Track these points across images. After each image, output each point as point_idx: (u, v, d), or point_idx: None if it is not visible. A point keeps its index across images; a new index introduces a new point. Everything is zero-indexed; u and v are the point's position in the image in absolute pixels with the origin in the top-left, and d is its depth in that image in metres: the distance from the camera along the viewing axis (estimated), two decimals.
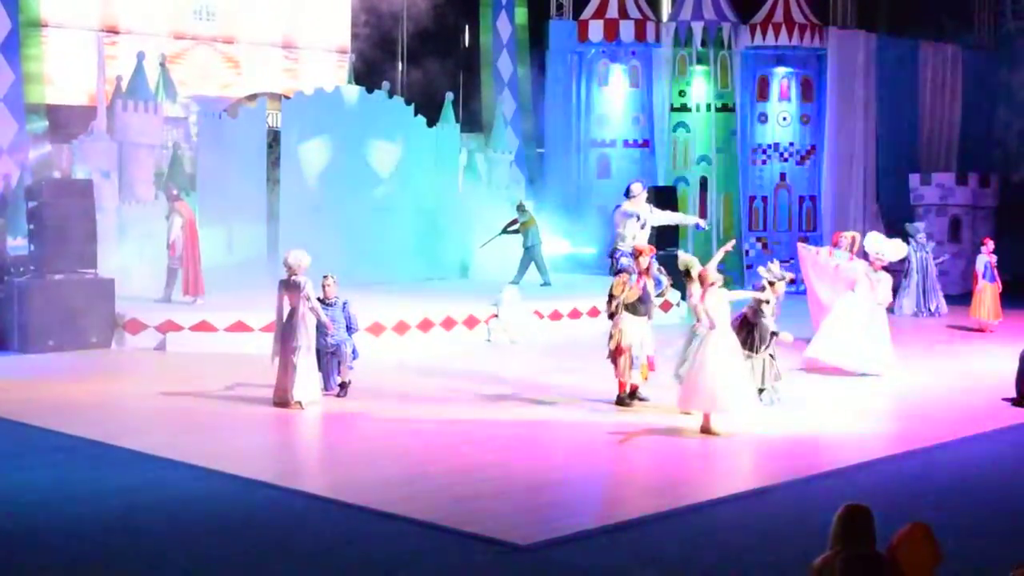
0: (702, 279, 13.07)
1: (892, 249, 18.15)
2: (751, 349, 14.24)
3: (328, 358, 14.87)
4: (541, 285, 23.49)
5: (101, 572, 8.48)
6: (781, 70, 30.53)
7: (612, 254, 15.29)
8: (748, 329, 14.32)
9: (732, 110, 30.05)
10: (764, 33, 29.98)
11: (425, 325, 19.69)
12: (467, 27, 31.34)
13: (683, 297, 16.81)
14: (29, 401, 14.53)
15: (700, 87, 29.79)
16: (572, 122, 30.19)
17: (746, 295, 14.68)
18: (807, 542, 6.91)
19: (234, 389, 15.27)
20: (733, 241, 16.23)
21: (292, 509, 10.14)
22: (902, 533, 5.80)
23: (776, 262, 15.55)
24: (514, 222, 24.06)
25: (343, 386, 14.91)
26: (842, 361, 17.04)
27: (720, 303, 13.13)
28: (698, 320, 13.39)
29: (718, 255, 13.93)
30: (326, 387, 14.84)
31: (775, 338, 14.34)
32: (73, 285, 18.67)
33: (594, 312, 21.87)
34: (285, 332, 14.20)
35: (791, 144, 30.63)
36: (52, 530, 9.43)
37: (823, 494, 10.35)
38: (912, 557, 5.68)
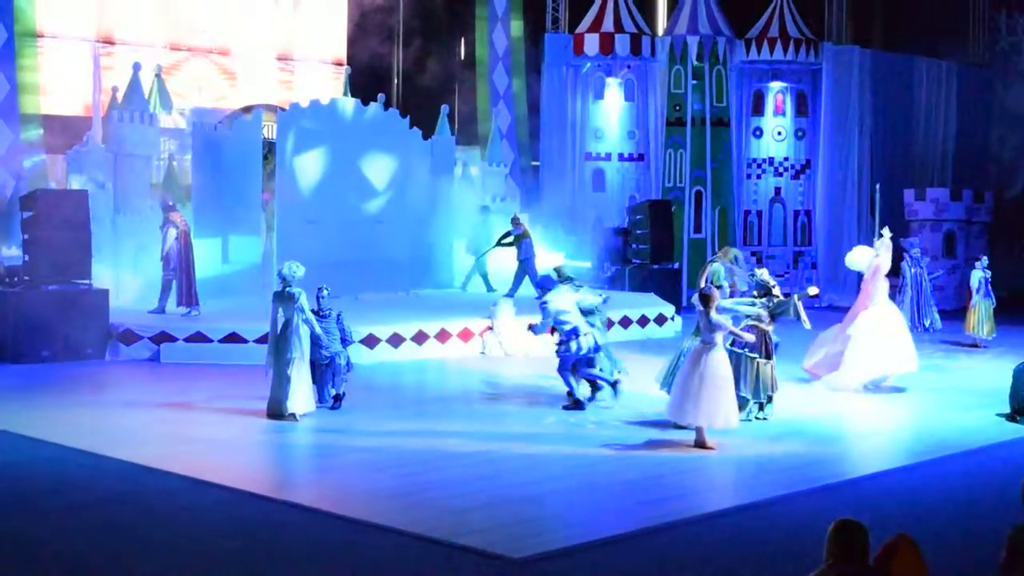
0: (709, 299, 13.05)
1: (862, 254, 18.08)
2: (764, 355, 14.35)
3: (322, 370, 14.85)
4: (536, 298, 23.43)
5: None
6: (776, 84, 30.64)
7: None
8: (760, 334, 14.38)
9: (727, 124, 30.15)
10: (759, 48, 30.09)
11: (420, 337, 19.68)
12: (463, 39, 31.41)
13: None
14: (22, 411, 14.49)
15: (695, 101, 29.86)
16: (567, 135, 30.27)
17: (735, 306, 14.59)
18: (801, 557, 6.91)
19: (228, 400, 15.25)
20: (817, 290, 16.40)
21: (285, 521, 10.11)
22: (889, 545, 5.80)
23: (765, 269, 15.58)
24: (508, 234, 24.08)
25: (337, 398, 14.90)
26: (876, 373, 17.03)
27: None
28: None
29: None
30: (320, 399, 14.82)
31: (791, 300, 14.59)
32: (67, 296, 18.67)
33: None
34: (279, 344, 14.19)
35: (786, 159, 30.73)
36: (43, 540, 9.40)
37: (817, 509, 10.34)
38: (902, 570, 5.68)
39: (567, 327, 14.85)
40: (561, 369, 15.11)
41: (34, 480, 11.41)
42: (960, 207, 30.36)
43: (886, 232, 17.90)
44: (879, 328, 17.22)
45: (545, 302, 14.91)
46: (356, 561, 9.09)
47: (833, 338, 17.61)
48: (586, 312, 15.18)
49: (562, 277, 15.64)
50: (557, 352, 15.07)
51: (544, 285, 15.35)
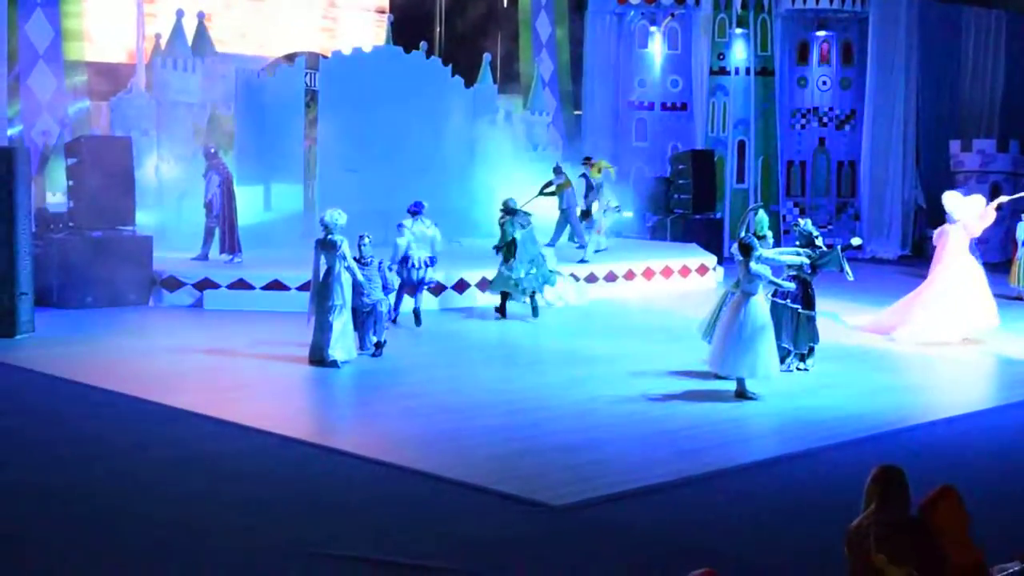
0: (748, 249, 12.98)
1: (976, 206, 17.96)
2: (806, 306, 14.31)
3: (364, 317, 14.91)
4: (577, 248, 23.44)
5: (138, 526, 8.56)
6: (822, 33, 30.31)
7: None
8: (804, 286, 14.32)
9: (771, 74, 29.83)
10: None
11: (460, 286, 19.70)
12: None
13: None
14: (67, 356, 14.64)
15: (739, 50, 29.59)
16: (610, 84, 30.06)
17: (778, 255, 14.52)
18: (841, 506, 6.90)
19: (270, 347, 15.33)
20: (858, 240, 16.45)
21: (327, 466, 10.20)
22: (932, 496, 5.78)
23: (809, 220, 15.46)
24: (550, 183, 23.98)
25: (378, 345, 14.96)
26: (951, 334, 16.98)
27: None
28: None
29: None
30: (362, 346, 14.90)
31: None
32: (111, 242, 18.77)
33: (630, 275, 21.88)
34: (321, 291, 14.26)
35: (831, 108, 30.45)
36: (89, 483, 9.52)
37: (857, 459, 10.30)
38: (946, 520, 5.66)
39: (406, 252, 16.97)
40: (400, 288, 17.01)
41: (78, 423, 11.54)
42: (1007, 159, 29.99)
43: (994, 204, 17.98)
44: (959, 285, 17.14)
45: (401, 224, 17.18)
46: (396, 506, 9.16)
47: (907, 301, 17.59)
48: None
49: (507, 210, 18.27)
50: (398, 272, 16.92)
51: (412, 209, 17.61)
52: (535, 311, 18.31)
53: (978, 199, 18.01)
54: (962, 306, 16.99)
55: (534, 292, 18.28)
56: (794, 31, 30.36)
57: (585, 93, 30.48)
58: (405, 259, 16.90)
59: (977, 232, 17.89)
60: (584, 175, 24.26)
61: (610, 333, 17.34)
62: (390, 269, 16.38)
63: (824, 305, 15.45)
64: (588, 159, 24.73)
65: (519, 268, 17.95)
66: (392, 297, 16.50)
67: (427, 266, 17.23)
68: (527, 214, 18.57)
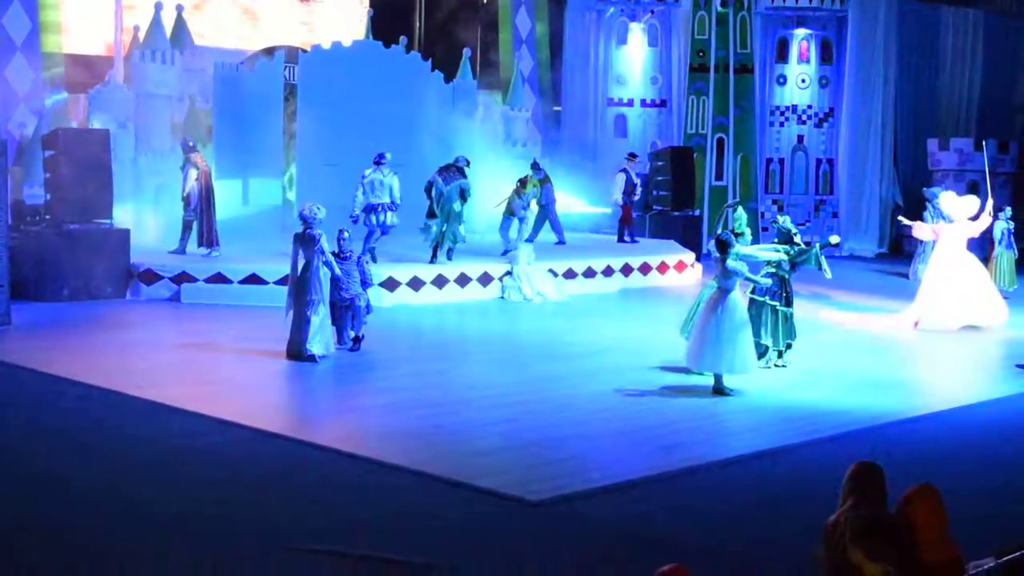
0: (725, 245, 12.99)
1: (971, 206, 18.12)
2: (784, 303, 14.33)
3: (342, 312, 14.89)
4: (556, 244, 23.47)
5: (114, 519, 8.52)
6: (801, 31, 30.38)
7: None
8: (782, 283, 14.33)
9: (750, 71, 29.88)
10: None
11: (440, 281, 19.68)
12: None
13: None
14: (44, 350, 14.58)
15: (719, 47, 29.60)
16: (590, 81, 30.07)
17: (756, 252, 14.56)
18: (818, 502, 6.92)
19: (248, 342, 15.29)
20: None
21: (304, 461, 10.17)
22: (910, 494, 5.79)
23: (787, 217, 15.49)
24: (524, 181, 23.95)
25: (356, 340, 14.94)
26: (953, 322, 17.15)
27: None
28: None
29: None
30: (340, 341, 14.87)
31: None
32: (88, 235, 18.70)
33: (608, 271, 21.88)
34: (299, 286, 14.21)
35: (809, 106, 30.52)
36: (67, 478, 9.47)
37: (835, 456, 10.32)
38: (924, 518, 5.67)
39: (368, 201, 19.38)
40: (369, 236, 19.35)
41: (58, 418, 11.49)
42: (984, 157, 30.09)
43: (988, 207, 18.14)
44: (967, 278, 17.36)
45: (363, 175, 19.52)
46: (373, 500, 9.14)
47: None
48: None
49: (454, 166, 20.40)
50: (365, 221, 19.33)
51: (376, 159, 19.77)
52: (433, 257, 19.95)
53: (973, 200, 18.12)
54: (973, 297, 17.28)
55: (438, 245, 19.94)
56: (773, 29, 30.42)
57: (564, 89, 30.49)
58: (372, 207, 19.24)
59: (976, 233, 18.03)
60: (624, 169, 24.55)
61: (588, 329, 17.34)
62: (355, 220, 18.30)
63: (802, 301, 15.47)
64: (632, 155, 24.95)
65: (437, 224, 19.82)
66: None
67: (388, 210, 19.40)
68: (461, 175, 20.15)
